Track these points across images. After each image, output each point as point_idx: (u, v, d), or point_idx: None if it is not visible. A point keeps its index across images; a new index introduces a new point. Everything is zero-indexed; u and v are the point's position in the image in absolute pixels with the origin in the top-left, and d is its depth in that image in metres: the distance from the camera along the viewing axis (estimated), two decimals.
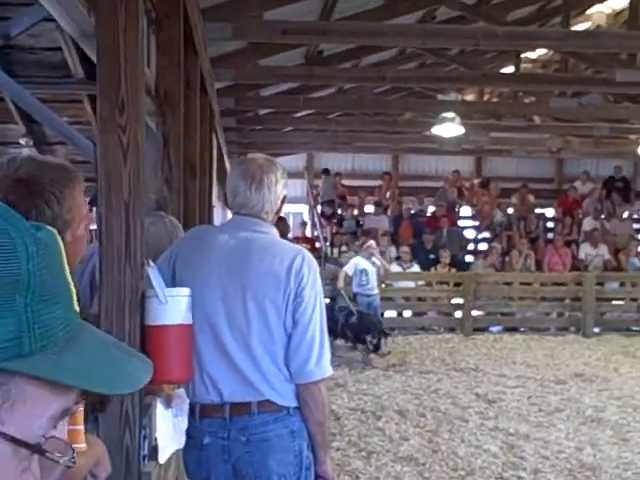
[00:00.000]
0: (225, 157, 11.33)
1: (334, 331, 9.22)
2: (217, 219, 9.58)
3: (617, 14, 10.66)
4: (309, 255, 2.60)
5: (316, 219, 15.53)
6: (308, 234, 15.65)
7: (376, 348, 8.91)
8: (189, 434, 2.56)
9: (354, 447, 5.89)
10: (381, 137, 14.58)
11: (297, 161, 17.60)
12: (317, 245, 14.05)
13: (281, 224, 8.31)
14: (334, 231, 14.98)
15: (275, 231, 2.66)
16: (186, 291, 2.52)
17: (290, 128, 13.82)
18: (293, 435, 2.50)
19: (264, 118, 12.53)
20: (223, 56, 7.75)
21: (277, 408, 2.49)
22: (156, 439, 2.83)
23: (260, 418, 2.47)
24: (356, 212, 15.99)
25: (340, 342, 9.55)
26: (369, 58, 10.37)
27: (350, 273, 9.98)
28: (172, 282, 2.57)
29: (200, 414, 2.53)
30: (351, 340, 9.29)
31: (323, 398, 2.54)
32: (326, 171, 16.71)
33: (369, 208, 16.05)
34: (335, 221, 15.53)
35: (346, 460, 5.47)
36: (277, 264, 2.50)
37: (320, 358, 2.49)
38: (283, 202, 2.66)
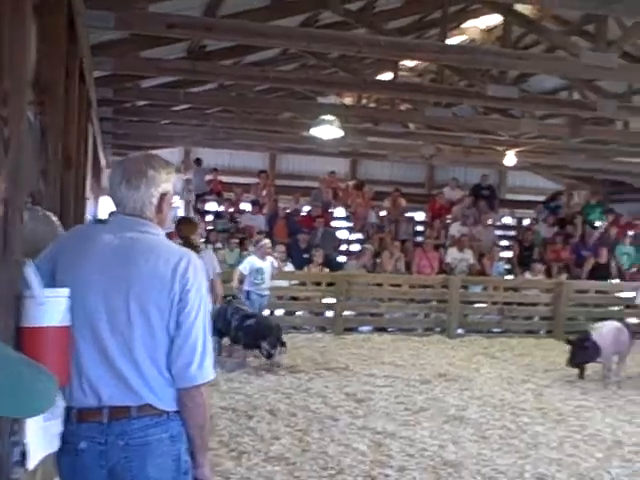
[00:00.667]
0: (100, 148, 10.98)
1: (225, 333, 9.04)
2: (89, 212, 9.28)
3: (490, 30, 11.18)
4: (195, 258, 2.57)
5: (191, 214, 15.33)
6: None
7: (269, 356, 8.73)
8: (65, 439, 2.47)
9: (225, 447, 5.86)
10: (259, 135, 14.57)
11: (174, 155, 17.29)
12: None
13: (184, 225, 8.11)
14: (209, 228, 14.85)
15: (161, 232, 2.62)
16: (65, 291, 2.44)
17: (168, 121, 13.55)
18: (173, 439, 2.47)
19: (142, 110, 12.21)
20: (103, 44, 7.51)
21: (157, 412, 2.45)
22: (25, 444, 2.72)
23: (139, 422, 2.43)
24: (232, 209, 15.93)
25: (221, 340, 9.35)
26: (251, 56, 10.35)
27: (245, 272, 9.90)
28: (51, 282, 2.48)
29: (77, 418, 2.44)
30: (245, 344, 8.95)
31: (204, 401, 2.52)
32: (198, 161, 16.72)
33: (245, 205, 16.03)
34: (212, 218, 15.38)
35: (217, 460, 5.42)
36: (162, 265, 2.47)
37: (202, 362, 2.48)
38: (163, 199, 2.60)
